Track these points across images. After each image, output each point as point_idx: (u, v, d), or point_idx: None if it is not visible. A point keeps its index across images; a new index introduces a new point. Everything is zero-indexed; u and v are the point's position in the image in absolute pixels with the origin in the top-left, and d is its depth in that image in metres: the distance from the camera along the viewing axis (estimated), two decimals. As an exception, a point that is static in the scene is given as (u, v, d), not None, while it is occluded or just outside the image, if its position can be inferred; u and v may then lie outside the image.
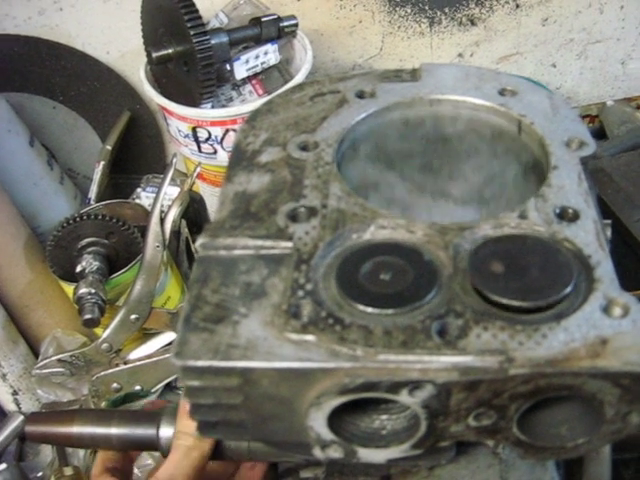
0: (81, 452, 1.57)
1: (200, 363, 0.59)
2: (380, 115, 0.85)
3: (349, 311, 0.60)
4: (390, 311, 0.60)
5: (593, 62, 2.28)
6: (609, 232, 0.72)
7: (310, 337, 0.58)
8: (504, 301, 0.60)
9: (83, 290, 1.44)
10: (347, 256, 0.66)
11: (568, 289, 0.61)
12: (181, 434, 0.75)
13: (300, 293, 0.62)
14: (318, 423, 0.61)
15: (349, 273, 0.63)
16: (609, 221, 0.73)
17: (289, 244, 0.66)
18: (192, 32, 1.57)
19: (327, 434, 0.62)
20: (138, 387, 1.49)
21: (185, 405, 0.75)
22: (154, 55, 1.67)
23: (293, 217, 0.69)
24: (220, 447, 0.76)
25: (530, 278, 0.62)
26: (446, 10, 2.05)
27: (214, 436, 0.71)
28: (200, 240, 0.68)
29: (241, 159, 0.79)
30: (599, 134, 2.17)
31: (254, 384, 0.59)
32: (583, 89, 2.34)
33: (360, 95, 0.86)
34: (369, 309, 0.60)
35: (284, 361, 0.58)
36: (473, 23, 2.10)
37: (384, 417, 0.65)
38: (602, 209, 0.72)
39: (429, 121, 0.87)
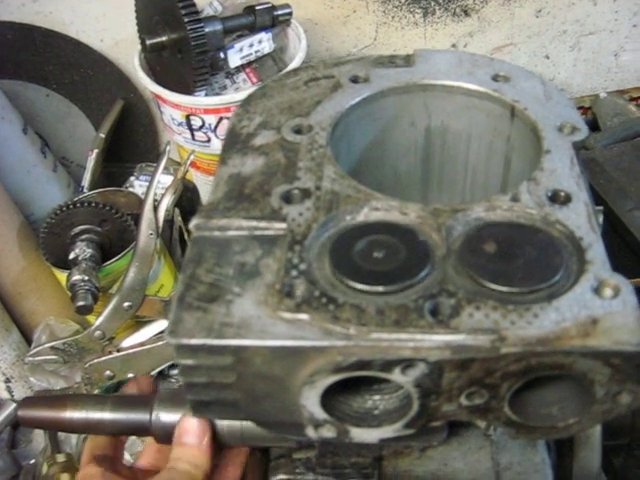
0: (74, 439, 1.57)
1: (194, 341, 0.59)
2: (373, 100, 0.85)
3: (342, 290, 0.61)
4: (381, 288, 0.60)
5: (586, 54, 2.28)
6: (601, 219, 0.73)
7: (303, 316, 0.59)
8: (493, 287, 0.60)
9: (76, 277, 1.44)
10: (340, 235, 0.66)
11: (557, 277, 0.61)
12: (179, 461, 0.74)
13: (294, 273, 0.62)
14: (311, 402, 0.61)
15: (342, 251, 0.64)
16: (601, 207, 0.74)
17: (283, 225, 0.67)
18: (186, 20, 1.56)
19: (320, 413, 0.62)
20: (131, 375, 1.48)
21: (182, 433, 0.75)
22: (148, 43, 1.66)
23: (287, 199, 0.70)
24: (214, 433, 0.77)
25: (520, 265, 0.62)
26: (440, 0, 2.05)
27: (207, 415, 0.71)
28: (194, 221, 0.68)
29: (235, 142, 0.79)
30: (592, 126, 2.17)
31: (247, 362, 0.60)
32: (576, 81, 2.35)
33: (354, 80, 0.86)
34: (361, 286, 0.61)
35: (277, 339, 0.58)
36: (467, 14, 2.10)
37: (377, 397, 0.65)
38: (594, 199, 0.72)
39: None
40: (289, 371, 0.60)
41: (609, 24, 2.21)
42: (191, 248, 0.66)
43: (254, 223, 0.67)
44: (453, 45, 2.16)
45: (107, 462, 0.80)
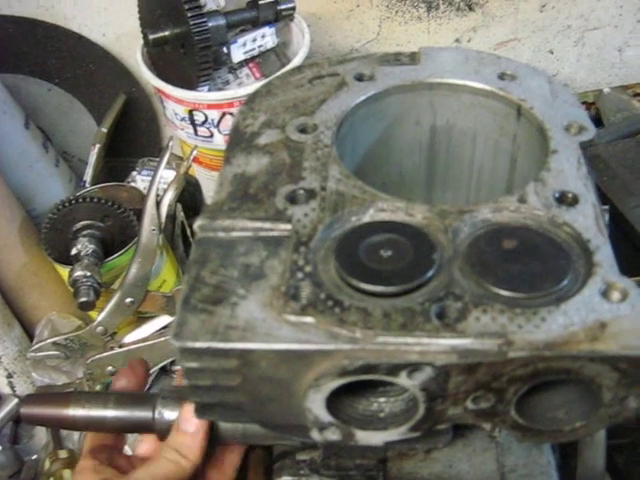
0: (76, 435, 1.57)
1: (198, 344, 0.58)
2: (378, 98, 0.84)
3: (348, 293, 0.60)
4: (386, 289, 0.60)
5: (590, 49, 2.27)
6: (607, 217, 0.72)
7: (309, 319, 0.58)
8: (501, 292, 0.60)
9: (78, 273, 1.43)
10: (346, 235, 0.65)
11: (564, 282, 0.61)
12: (168, 449, 0.75)
13: (299, 275, 0.62)
14: (316, 405, 0.61)
15: (348, 251, 0.63)
16: (607, 207, 0.73)
17: (288, 226, 0.66)
18: (189, 14, 1.55)
19: (325, 416, 0.62)
20: (132, 370, 1.48)
21: (182, 419, 0.75)
22: (151, 37, 1.65)
23: (292, 199, 0.69)
24: (215, 431, 0.76)
25: (528, 269, 0.62)
26: (444, -5, 2.04)
27: (211, 418, 0.70)
28: (198, 222, 0.68)
29: (240, 141, 0.78)
30: (595, 121, 2.16)
31: (252, 366, 0.59)
32: (580, 76, 2.33)
33: (359, 78, 0.86)
34: (366, 286, 0.60)
35: (283, 343, 0.58)
36: (471, 8, 2.09)
37: (382, 400, 0.65)
38: (598, 196, 0.72)
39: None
40: (294, 374, 0.59)
41: (613, 19, 2.20)
42: (195, 249, 0.66)
43: (259, 224, 0.67)
44: (456, 40, 2.15)
45: (105, 452, 0.81)
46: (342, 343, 0.57)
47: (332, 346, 0.57)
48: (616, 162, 1.69)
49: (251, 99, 0.85)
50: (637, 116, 2.06)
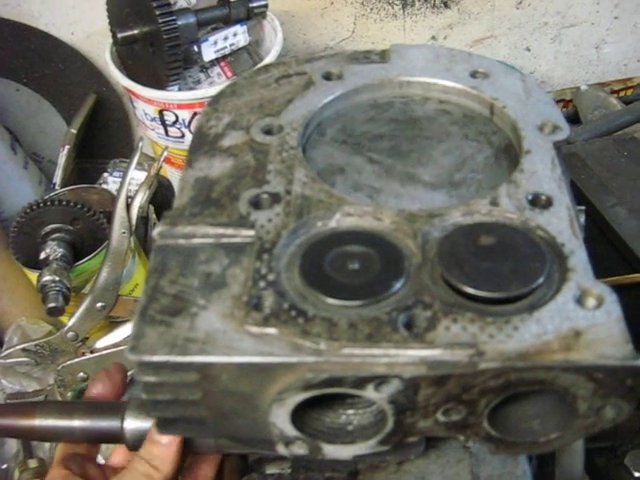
0: (47, 444, 1.54)
1: (156, 358, 0.56)
2: (347, 98, 0.82)
3: (313, 302, 0.58)
4: (356, 302, 0.57)
5: (567, 46, 2.26)
6: (582, 219, 0.70)
7: (271, 330, 0.56)
8: (473, 292, 0.57)
9: (47, 278, 1.40)
10: (311, 245, 0.63)
11: (540, 280, 0.59)
12: (140, 460, 0.72)
13: (262, 284, 0.59)
14: (281, 419, 0.59)
15: (313, 263, 0.61)
16: (582, 207, 0.71)
17: (251, 232, 0.64)
18: (158, 12, 1.52)
19: (291, 430, 0.60)
20: (104, 377, 1.46)
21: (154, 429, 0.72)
22: (119, 36, 1.62)
23: (256, 204, 0.67)
24: (187, 439, 0.74)
25: (501, 268, 0.60)
26: (419, -8, 2.03)
27: (174, 433, 0.68)
28: (158, 228, 0.65)
29: (203, 143, 0.76)
30: (573, 119, 2.15)
31: (213, 380, 0.57)
32: (557, 73, 2.33)
33: (327, 77, 0.83)
34: (334, 301, 0.58)
35: (244, 356, 0.55)
36: (447, 5, 2.07)
37: (350, 412, 0.62)
38: (575, 194, 0.69)
39: (398, 103, 0.85)
40: (257, 388, 0.57)
41: (590, 16, 2.19)
42: (154, 257, 0.63)
43: (221, 230, 0.64)
44: (433, 37, 2.13)
45: (77, 461, 0.78)
46: (306, 355, 0.54)
47: (295, 359, 0.55)
48: (593, 160, 1.68)
49: (215, 100, 0.82)
50: (614, 113, 2.05)
